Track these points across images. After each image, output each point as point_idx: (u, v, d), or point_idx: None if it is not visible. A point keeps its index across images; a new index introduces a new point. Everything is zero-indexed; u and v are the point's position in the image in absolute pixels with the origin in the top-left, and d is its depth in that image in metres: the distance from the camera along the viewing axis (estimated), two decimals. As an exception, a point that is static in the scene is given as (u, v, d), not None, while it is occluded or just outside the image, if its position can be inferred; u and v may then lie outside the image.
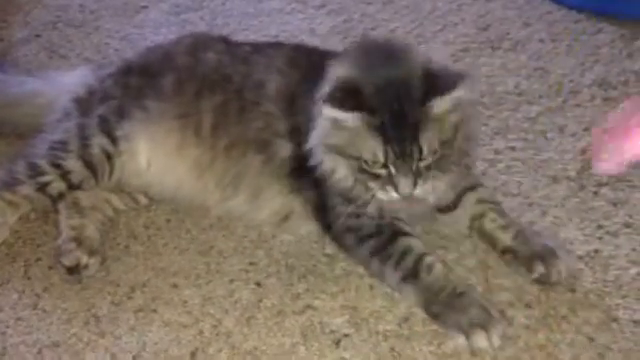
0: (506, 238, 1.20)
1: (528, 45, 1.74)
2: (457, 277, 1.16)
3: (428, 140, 1.07)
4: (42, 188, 1.28)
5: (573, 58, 1.69)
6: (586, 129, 1.48)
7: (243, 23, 1.90)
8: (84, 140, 1.29)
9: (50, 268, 1.24)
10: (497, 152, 1.43)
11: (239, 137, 1.26)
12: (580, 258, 1.21)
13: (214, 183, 1.28)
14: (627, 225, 1.27)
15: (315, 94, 1.15)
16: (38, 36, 1.85)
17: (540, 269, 1.15)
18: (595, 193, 1.33)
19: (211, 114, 1.27)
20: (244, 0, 2.01)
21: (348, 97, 1.07)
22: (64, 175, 1.28)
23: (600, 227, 1.27)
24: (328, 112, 1.09)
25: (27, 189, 1.28)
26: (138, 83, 1.32)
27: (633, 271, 1.19)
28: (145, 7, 1.99)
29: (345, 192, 1.17)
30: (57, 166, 1.28)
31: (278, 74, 1.27)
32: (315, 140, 1.15)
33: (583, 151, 1.38)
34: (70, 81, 1.39)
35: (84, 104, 1.33)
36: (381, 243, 1.17)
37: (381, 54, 1.13)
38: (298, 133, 1.21)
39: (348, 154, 1.11)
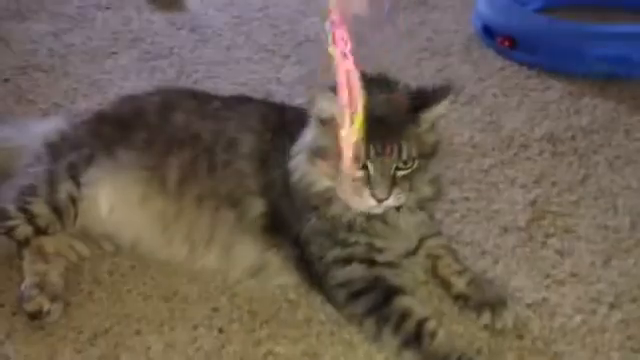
0: (460, 284, 1.26)
1: (482, 99, 1.84)
2: (463, 344, 1.17)
3: (408, 144, 1.13)
4: (9, 232, 1.29)
5: (524, 113, 1.79)
6: (536, 182, 1.57)
7: (212, 71, 1.96)
8: (52, 185, 1.31)
9: (13, 314, 1.25)
10: (453, 202, 1.50)
11: (208, 193, 1.29)
12: (529, 306, 1.27)
13: (181, 238, 1.30)
14: (572, 274, 1.34)
15: (289, 149, 1.21)
16: (6, 80, 1.87)
17: (487, 316, 1.21)
18: (543, 243, 1.41)
19: (178, 170, 1.30)
20: (213, 48, 2.07)
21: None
22: (31, 219, 1.29)
23: (548, 276, 1.33)
24: (323, 103, 1.13)
25: (-6, 234, 1.29)
26: (110, 132, 1.35)
27: (578, 319, 1.25)
28: (115, 53, 2.03)
29: (324, 208, 1.19)
30: (24, 210, 1.29)
31: (250, 132, 1.31)
32: (299, 148, 1.20)
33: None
34: (42, 128, 1.41)
35: (55, 150, 1.35)
36: (376, 302, 1.16)
37: (365, 75, 1.19)
38: (272, 188, 1.25)
39: (331, 154, 1.14)
